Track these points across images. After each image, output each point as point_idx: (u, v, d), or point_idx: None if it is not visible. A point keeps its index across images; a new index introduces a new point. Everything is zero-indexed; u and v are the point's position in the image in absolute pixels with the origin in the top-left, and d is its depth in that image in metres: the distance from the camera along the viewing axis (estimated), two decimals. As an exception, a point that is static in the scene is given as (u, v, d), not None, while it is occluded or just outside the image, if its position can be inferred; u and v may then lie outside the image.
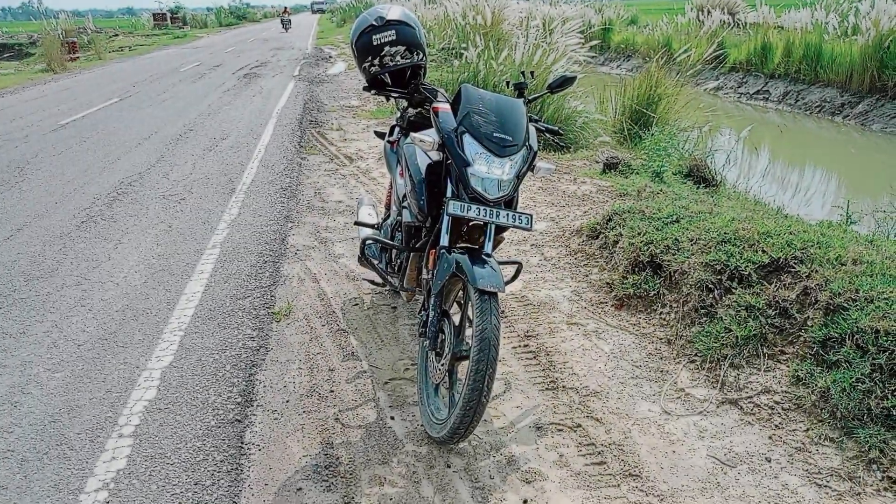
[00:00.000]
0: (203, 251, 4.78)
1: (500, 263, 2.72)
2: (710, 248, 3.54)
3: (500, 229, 2.76)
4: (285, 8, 42.85)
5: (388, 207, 3.83)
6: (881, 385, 2.56)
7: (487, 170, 2.57)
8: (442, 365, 2.64)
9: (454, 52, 11.31)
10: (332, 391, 3.07)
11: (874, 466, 2.43)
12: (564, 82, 3.06)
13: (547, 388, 3.06)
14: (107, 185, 6.56)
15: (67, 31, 23.92)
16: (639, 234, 4.02)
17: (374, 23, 3.15)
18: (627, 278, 3.87)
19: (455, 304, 2.88)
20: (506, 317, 3.72)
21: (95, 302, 4.00)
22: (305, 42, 28.03)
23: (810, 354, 2.88)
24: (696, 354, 3.23)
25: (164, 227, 5.29)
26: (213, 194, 6.19)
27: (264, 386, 3.12)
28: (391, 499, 2.40)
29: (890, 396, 2.52)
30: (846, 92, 12.23)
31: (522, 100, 2.88)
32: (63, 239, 5.09)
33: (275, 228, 5.25)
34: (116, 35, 35.77)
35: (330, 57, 20.22)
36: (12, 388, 3.12)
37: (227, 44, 29.13)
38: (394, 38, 3.15)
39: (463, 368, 2.50)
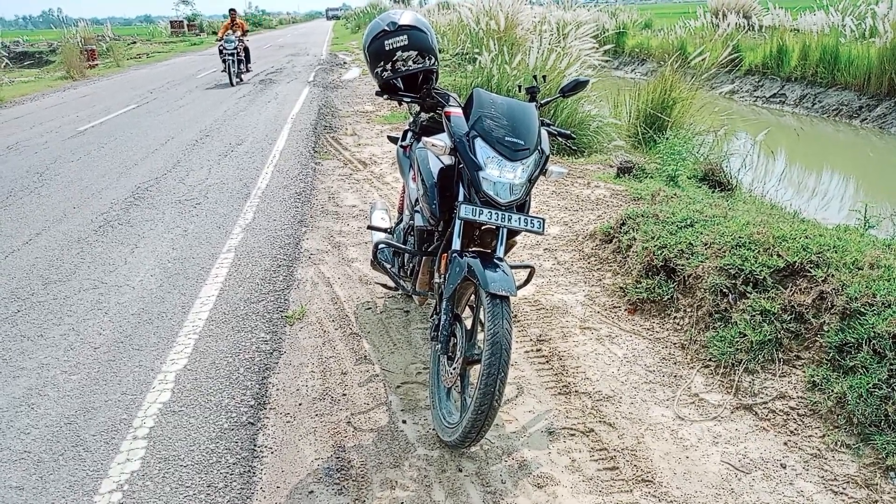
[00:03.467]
0: (218, 255, 4.82)
1: (513, 267, 2.72)
2: (724, 252, 3.51)
3: (513, 233, 2.76)
4: (231, 15, 16.59)
5: (400, 212, 3.84)
6: (899, 391, 2.52)
7: (499, 174, 2.57)
8: (454, 369, 2.64)
9: (468, 57, 11.33)
10: (344, 395, 3.08)
11: (891, 473, 2.40)
12: (577, 86, 3.06)
13: (559, 393, 3.05)
14: (124, 191, 6.63)
15: (86, 38, 24.23)
16: (652, 238, 4.00)
17: (386, 28, 3.16)
18: (641, 283, 3.85)
19: (467, 308, 2.88)
20: (518, 321, 3.72)
21: (112, 305, 4.04)
22: (320, 48, 28.22)
23: (826, 360, 2.84)
24: (710, 359, 3.20)
25: (180, 232, 5.34)
26: (228, 199, 6.24)
27: (277, 389, 3.14)
28: (403, 502, 2.40)
29: (908, 402, 2.48)
30: (864, 95, 12.10)
31: (534, 104, 2.88)
32: (80, 243, 5.15)
33: (289, 233, 5.28)
34: (134, 42, 36.16)
35: (344, 63, 20.33)
36: (29, 390, 3.16)
37: (243, 50, 29.33)
38: (406, 43, 3.16)
39: (475, 372, 2.50)
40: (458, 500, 2.40)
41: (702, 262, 3.58)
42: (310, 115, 10.79)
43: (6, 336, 3.71)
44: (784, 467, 2.52)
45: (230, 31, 15.68)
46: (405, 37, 3.16)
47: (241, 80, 16.09)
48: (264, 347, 3.53)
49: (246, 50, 16.28)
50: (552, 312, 3.83)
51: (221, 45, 15.53)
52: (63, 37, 24.24)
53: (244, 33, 16.29)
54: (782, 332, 3.05)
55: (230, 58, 15.36)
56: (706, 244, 3.67)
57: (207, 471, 2.58)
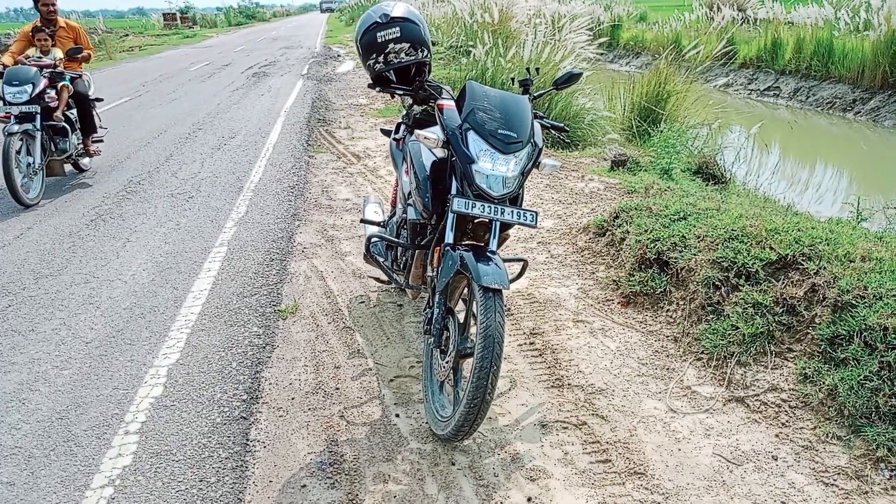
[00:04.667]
0: (210, 249, 4.80)
1: (506, 260, 2.72)
2: (717, 245, 3.52)
3: (506, 226, 2.75)
4: (44, 11, 6.39)
5: (393, 205, 3.83)
6: (889, 383, 2.53)
7: (492, 167, 2.56)
8: (447, 362, 2.64)
9: (462, 50, 11.30)
10: (337, 388, 3.07)
11: (882, 465, 2.41)
12: (570, 79, 3.04)
13: (552, 386, 3.06)
14: (116, 184, 6.59)
15: (78, 31, 23.98)
16: (646, 231, 4.00)
17: (378, 20, 3.14)
18: (634, 276, 3.85)
19: (460, 301, 2.87)
20: (512, 314, 3.72)
21: (103, 300, 4.02)
22: (314, 41, 28.08)
23: (818, 352, 2.85)
24: (702, 352, 3.21)
25: (173, 226, 5.32)
26: (221, 192, 6.22)
27: (270, 383, 3.13)
28: (395, 496, 2.40)
29: (899, 394, 2.49)
30: (858, 88, 12.11)
31: (528, 96, 2.87)
32: (72, 237, 5.12)
33: (282, 226, 5.27)
34: (127, 35, 35.84)
35: (338, 55, 20.25)
36: (20, 385, 3.14)
37: (237, 43, 29.23)
38: (398, 35, 3.14)
39: (468, 366, 2.50)
40: (451, 494, 2.40)
41: (695, 254, 3.58)
42: (303, 109, 10.74)
43: (-3, 331, 3.69)
44: (775, 459, 2.53)
45: (33, 49, 6.44)
46: (397, 29, 3.15)
47: (83, 169, 6.96)
48: (257, 342, 3.52)
49: (81, 101, 6.55)
50: (545, 305, 3.83)
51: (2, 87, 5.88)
52: (55, 29, 23.97)
53: (75, 55, 6.54)
54: (774, 324, 3.06)
55: (18, 129, 5.65)
56: (699, 237, 3.67)
57: (200, 465, 2.57)
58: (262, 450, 2.67)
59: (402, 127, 3.50)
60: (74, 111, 6.54)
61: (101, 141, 7.10)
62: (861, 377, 2.60)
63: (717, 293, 3.33)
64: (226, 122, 9.82)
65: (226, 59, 20.76)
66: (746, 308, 3.16)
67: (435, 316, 2.67)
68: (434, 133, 2.72)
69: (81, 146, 6.67)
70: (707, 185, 5.81)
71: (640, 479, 2.46)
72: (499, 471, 2.52)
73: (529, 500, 2.37)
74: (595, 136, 7.96)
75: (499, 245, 2.66)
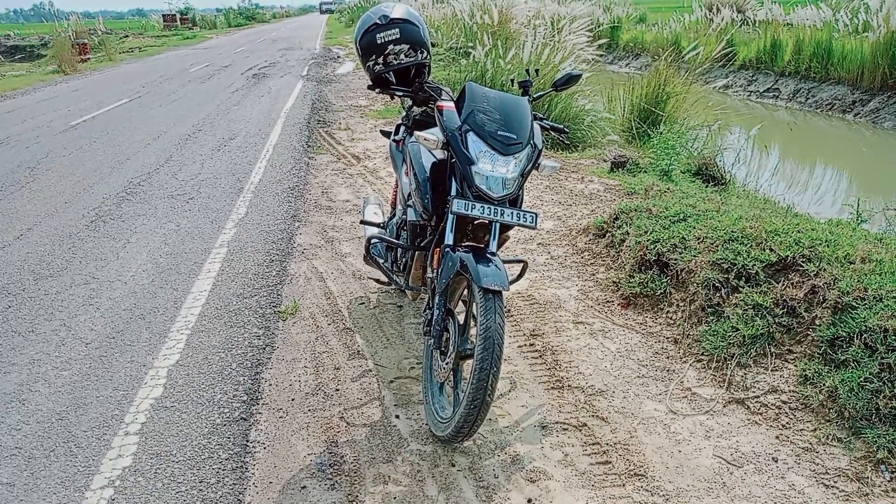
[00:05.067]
0: (210, 250, 4.80)
1: (506, 262, 2.72)
2: (717, 246, 3.52)
3: (505, 228, 2.75)
4: None
5: (393, 206, 3.83)
6: (889, 385, 2.53)
7: (492, 168, 2.57)
8: (447, 364, 2.63)
9: (462, 51, 11.31)
10: (337, 390, 3.07)
11: (882, 467, 2.41)
12: (569, 80, 3.04)
13: (552, 387, 3.05)
14: (116, 185, 6.59)
15: (78, 32, 24.03)
16: (646, 232, 4.00)
17: (377, 21, 3.15)
18: (634, 277, 3.85)
19: (460, 302, 2.87)
20: (512, 315, 3.72)
21: (103, 301, 4.02)
22: (314, 42, 28.09)
23: (818, 353, 2.85)
24: (702, 353, 3.21)
25: (173, 227, 5.32)
26: (221, 194, 6.22)
27: (270, 384, 3.13)
28: (395, 497, 2.40)
29: (899, 396, 2.49)
30: (857, 89, 12.12)
31: (527, 97, 2.87)
32: (72, 238, 5.12)
33: (282, 227, 5.26)
34: (127, 36, 35.88)
35: (338, 57, 20.25)
36: (20, 385, 3.14)
37: (237, 44, 29.24)
38: (397, 36, 3.15)
39: (468, 367, 2.50)
40: (451, 495, 2.40)
41: (695, 256, 3.58)
42: (303, 110, 10.74)
43: (-3, 332, 3.68)
44: (776, 461, 2.53)
45: None
46: (397, 30, 3.15)
47: None
48: (257, 343, 3.52)
49: None
50: (545, 307, 3.83)
51: None
52: (54, 30, 24.03)
53: None
54: (774, 326, 3.06)
55: None
56: (699, 238, 3.67)
57: (199, 466, 2.57)
58: (262, 451, 2.67)
59: (402, 128, 3.50)
60: None
61: None
62: (861, 379, 2.60)
63: (718, 295, 3.33)
64: (226, 124, 9.83)
65: (226, 61, 20.77)
66: (746, 310, 3.16)
67: (435, 317, 2.67)
68: (434, 134, 2.72)
69: None
70: (707, 186, 5.81)
71: (640, 480, 2.46)
72: (499, 472, 2.52)
73: (529, 501, 2.37)
74: (595, 138, 7.96)
75: (499, 246, 2.66)
